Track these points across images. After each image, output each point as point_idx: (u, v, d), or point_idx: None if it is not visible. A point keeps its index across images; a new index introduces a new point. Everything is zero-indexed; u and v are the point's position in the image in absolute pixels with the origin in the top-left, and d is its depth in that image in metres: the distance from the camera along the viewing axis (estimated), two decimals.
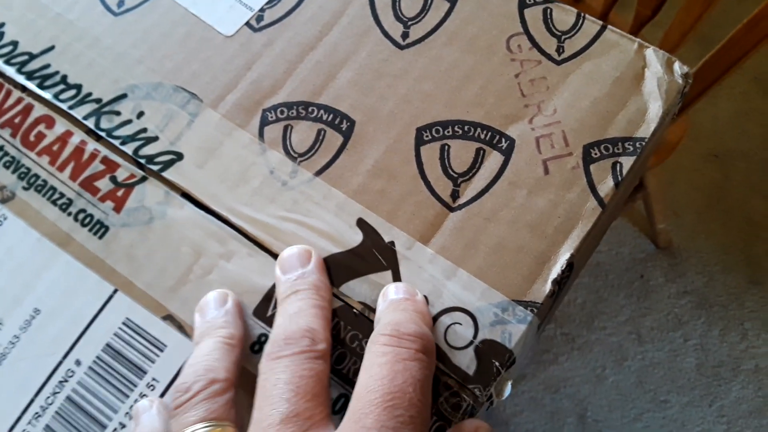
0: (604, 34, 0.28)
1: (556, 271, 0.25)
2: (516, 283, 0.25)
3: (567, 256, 0.25)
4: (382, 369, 0.21)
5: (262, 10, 0.30)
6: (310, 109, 0.28)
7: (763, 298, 1.05)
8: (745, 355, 1.04)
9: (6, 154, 0.29)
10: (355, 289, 0.25)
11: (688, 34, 0.71)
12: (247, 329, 0.25)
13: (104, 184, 0.28)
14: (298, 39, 0.30)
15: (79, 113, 0.29)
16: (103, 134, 0.28)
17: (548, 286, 0.25)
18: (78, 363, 0.25)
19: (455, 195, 0.26)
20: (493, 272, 0.25)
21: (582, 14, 0.29)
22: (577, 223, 0.26)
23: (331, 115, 0.28)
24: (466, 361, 0.24)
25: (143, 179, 0.28)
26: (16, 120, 0.29)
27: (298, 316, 0.23)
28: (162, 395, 0.25)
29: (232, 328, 0.24)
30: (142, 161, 0.28)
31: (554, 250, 0.25)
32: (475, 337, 0.24)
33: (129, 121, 0.29)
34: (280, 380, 0.21)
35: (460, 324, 0.24)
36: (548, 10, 0.29)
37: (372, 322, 0.25)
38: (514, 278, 0.25)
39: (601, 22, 0.29)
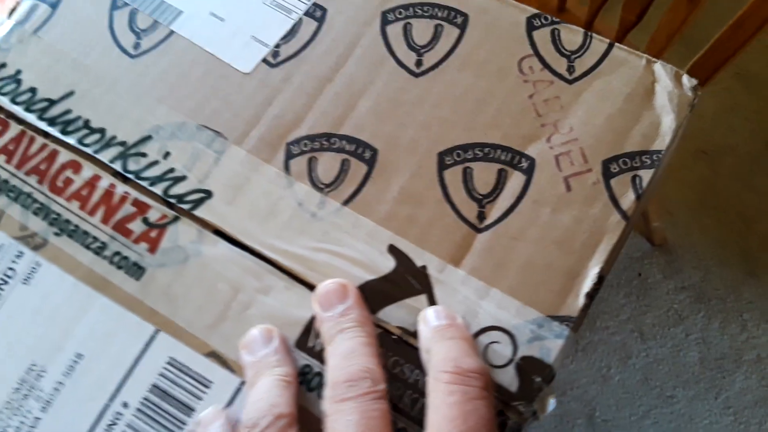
0: (612, 52, 0.29)
1: (587, 285, 0.26)
2: (549, 299, 0.26)
3: (597, 269, 0.26)
4: (452, 410, 0.22)
5: (277, 45, 0.31)
6: (332, 140, 0.29)
7: (760, 289, 1.07)
8: (746, 345, 1.05)
9: (35, 201, 0.29)
10: (393, 315, 0.26)
11: (674, 37, 0.73)
12: (296, 363, 0.25)
13: (137, 226, 0.28)
14: (315, 72, 0.30)
15: (105, 156, 0.29)
16: (131, 176, 0.29)
17: (581, 300, 0.25)
18: (125, 405, 0.26)
19: (481, 216, 0.27)
20: (525, 290, 0.26)
21: (589, 33, 0.30)
22: (603, 237, 0.26)
23: (353, 145, 0.29)
24: (508, 379, 0.25)
25: (176, 219, 0.28)
26: (42, 166, 0.30)
27: (353, 357, 0.24)
28: None
29: (286, 365, 0.25)
30: (173, 201, 0.28)
31: (583, 265, 0.26)
32: (514, 354, 0.25)
33: (156, 162, 0.29)
34: (351, 422, 0.22)
35: (499, 342, 0.25)
36: (556, 31, 0.30)
37: (411, 346, 0.26)
38: (547, 294, 0.26)
39: (608, 40, 0.30)
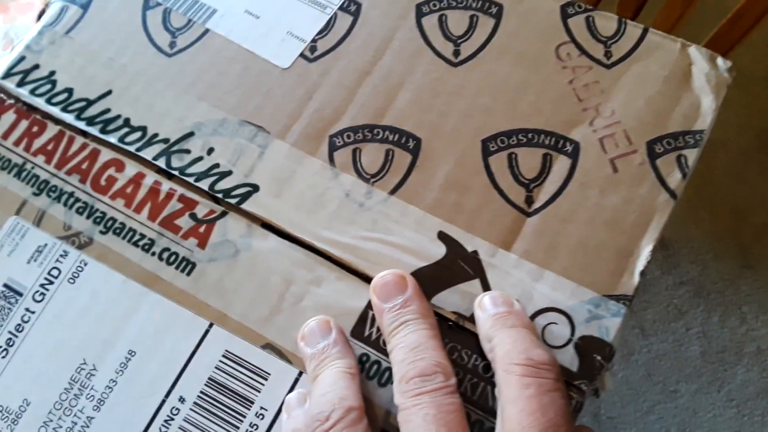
0: (647, 37, 0.30)
1: (641, 263, 0.26)
2: (603, 278, 0.26)
3: (650, 248, 0.26)
4: (530, 403, 0.22)
5: (314, 40, 0.31)
6: (375, 131, 0.29)
7: (757, 281, 1.08)
8: (746, 338, 1.06)
9: (77, 200, 0.29)
10: (447, 300, 0.26)
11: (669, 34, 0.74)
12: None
13: (185, 222, 0.28)
14: (353, 66, 0.30)
15: (147, 154, 0.29)
16: (175, 173, 0.29)
17: (636, 279, 0.25)
18: (182, 400, 0.25)
19: (529, 200, 0.27)
20: (579, 271, 0.26)
21: (623, 20, 0.30)
22: (653, 216, 0.26)
23: (396, 135, 0.29)
24: (568, 358, 0.25)
25: (223, 214, 0.28)
26: (84, 166, 0.29)
27: (422, 351, 0.23)
28: (271, 425, 0.25)
29: (348, 357, 0.24)
30: (219, 196, 0.28)
31: (635, 244, 0.26)
32: (572, 334, 0.25)
33: (200, 158, 0.29)
34: (428, 416, 0.22)
35: (556, 323, 0.25)
36: (590, 18, 0.30)
37: (467, 331, 0.25)
38: (601, 274, 0.26)
39: (642, 26, 0.30)
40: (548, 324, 0.25)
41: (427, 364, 0.23)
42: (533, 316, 0.25)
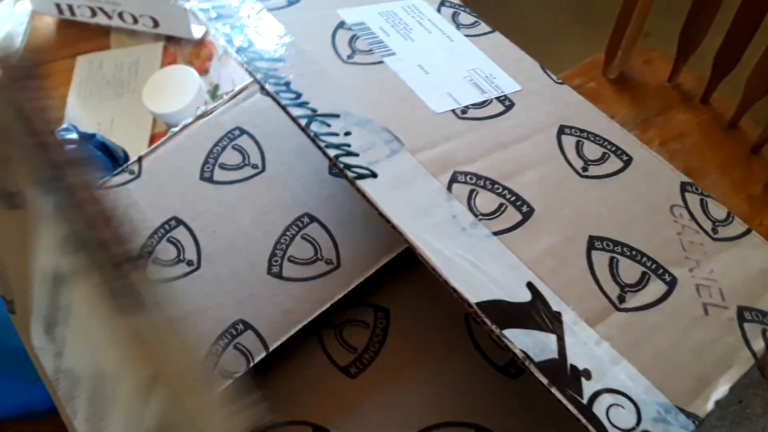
0: (749, 235, 0.31)
1: (718, 393, 0.24)
2: (680, 392, 0.23)
3: (727, 386, 0.24)
4: None
5: (467, 106, 0.33)
6: (496, 186, 0.29)
7: None
8: None
9: None
10: (518, 338, 0.24)
11: None
12: None
13: None
14: (494, 138, 0.32)
15: (293, 112, 0.30)
16: (311, 134, 0.29)
17: (710, 405, 0.23)
18: None
19: (622, 299, 0.26)
20: (657, 374, 0.24)
21: (731, 214, 0.32)
22: (733, 363, 0.25)
23: (514, 197, 0.29)
24: None
25: None
26: None
27: None
28: None
29: None
30: (341, 166, 0.28)
31: (715, 377, 0.24)
32: (637, 424, 0.22)
33: (336, 134, 0.29)
34: None
35: (623, 408, 0.23)
36: (704, 201, 0.32)
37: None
38: (678, 387, 0.24)
39: (746, 225, 0.32)
40: (616, 404, 0.23)
41: None
42: (603, 391, 0.23)
